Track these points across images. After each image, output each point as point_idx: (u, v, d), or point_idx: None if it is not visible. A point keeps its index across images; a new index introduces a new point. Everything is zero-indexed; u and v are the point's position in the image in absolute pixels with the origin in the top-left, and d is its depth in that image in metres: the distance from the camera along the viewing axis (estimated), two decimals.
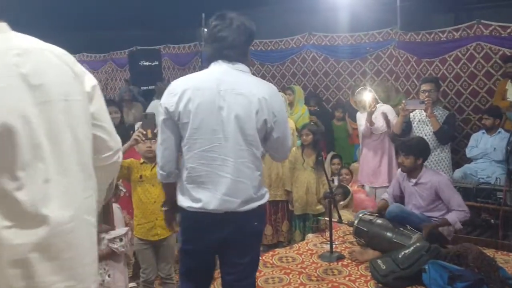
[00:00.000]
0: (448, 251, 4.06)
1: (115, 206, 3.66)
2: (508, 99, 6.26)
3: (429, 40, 7.05)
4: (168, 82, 9.54)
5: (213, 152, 2.59)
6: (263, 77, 8.49)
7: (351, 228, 4.94)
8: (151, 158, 3.92)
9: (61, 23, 12.00)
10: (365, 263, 4.40)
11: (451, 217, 4.65)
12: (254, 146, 2.62)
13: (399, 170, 5.10)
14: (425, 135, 5.63)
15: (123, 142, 4.93)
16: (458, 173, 5.91)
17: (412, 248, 4.10)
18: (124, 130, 5.18)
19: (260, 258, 3.63)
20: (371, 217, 4.79)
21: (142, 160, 3.94)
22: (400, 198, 5.10)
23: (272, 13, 9.93)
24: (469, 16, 8.15)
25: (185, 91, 2.63)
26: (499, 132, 5.96)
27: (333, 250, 4.65)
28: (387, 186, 6.05)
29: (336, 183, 6.28)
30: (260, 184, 2.71)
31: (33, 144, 1.64)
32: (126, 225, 4.43)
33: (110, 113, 6.05)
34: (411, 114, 5.75)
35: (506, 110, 6.18)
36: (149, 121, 3.67)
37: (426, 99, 5.49)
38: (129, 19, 11.63)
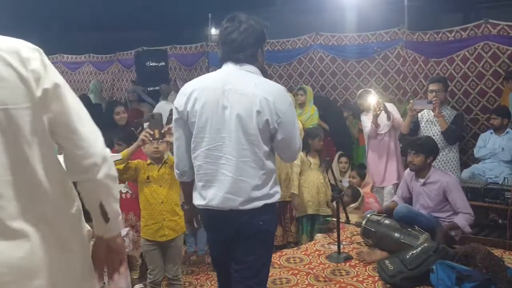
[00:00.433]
0: (456, 252, 4.05)
1: None
2: None
3: (436, 40, 7.03)
4: (175, 83, 9.53)
5: (218, 151, 2.65)
6: (270, 77, 8.47)
7: (359, 229, 4.93)
8: (158, 159, 3.92)
9: (68, 24, 12.07)
10: (373, 263, 4.40)
11: (460, 221, 4.65)
12: (256, 145, 2.64)
13: (407, 170, 5.09)
14: (433, 135, 5.61)
15: (128, 144, 4.96)
16: (466, 173, 5.89)
17: (419, 248, 4.09)
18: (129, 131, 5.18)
19: None
20: (378, 218, 4.78)
21: (149, 161, 3.94)
22: (409, 199, 5.09)
23: (279, 13, 9.96)
24: (477, 16, 8.14)
25: (193, 91, 2.72)
26: (507, 132, 5.92)
27: (341, 250, 4.65)
28: (395, 184, 6.07)
29: (344, 183, 6.27)
30: (265, 183, 2.71)
31: None
32: (133, 227, 4.45)
33: (118, 113, 6.04)
34: (419, 114, 5.73)
35: None
36: (156, 121, 3.68)
37: (434, 99, 5.48)
38: (135, 20, 11.69)
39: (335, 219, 4.78)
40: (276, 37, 8.76)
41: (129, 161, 3.85)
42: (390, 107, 6.14)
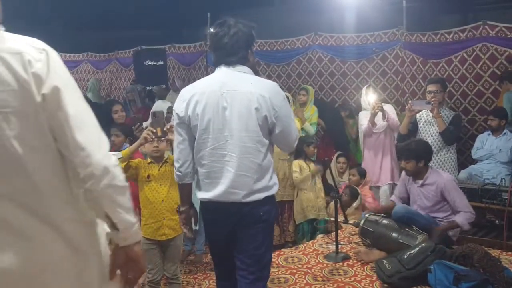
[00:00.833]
0: (453, 252, 4.07)
1: None
2: None
3: (435, 41, 7.04)
4: (173, 82, 9.51)
5: (221, 150, 2.82)
6: (269, 77, 8.48)
7: (357, 229, 4.95)
8: (158, 158, 3.93)
9: (66, 23, 12.04)
10: (371, 263, 4.42)
11: (460, 219, 4.66)
12: (257, 141, 2.81)
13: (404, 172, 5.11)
14: (431, 136, 5.64)
15: (125, 135, 4.93)
16: (463, 173, 5.91)
17: (417, 248, 4.11)
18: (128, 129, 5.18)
19: None
20: (377, 218, 4.80)
21: (149, 160, 3.95)
22: (406, 199, 5.11)
23: (278, 13, 9.93)
24: (476, 17, 8.13)
25: (192, 96, 2.88)
26: (505, 133, 5.95)
27: (339, 250, 4.67)
28: (390, 184, 6.09)
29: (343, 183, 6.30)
30: (265, 176, 2.88)
31: None
32: None
33: (116, 112, 6.02)
34: (417, 115, 5.76)
35: None
36: (158, 119, 3.71)
37: (432, 99, 5.50)
38: (134, 18, 11.65)
39: (333, 218, 4.79)
40: (275, 37, 8.74)
41: (130, 159, 3.86)
42: (388, 108, 6.17)
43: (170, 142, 3.73)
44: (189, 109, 2.85)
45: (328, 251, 4.79)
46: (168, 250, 3.99)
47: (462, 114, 6.57)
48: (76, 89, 1.73)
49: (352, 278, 4.18)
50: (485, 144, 6.08)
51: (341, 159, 6.82)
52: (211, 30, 2.93)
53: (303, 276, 4.27)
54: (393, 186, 6.02)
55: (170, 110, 6.05)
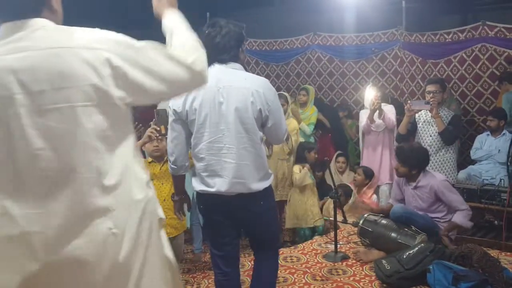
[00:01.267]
0: (452, 252, 4.08)
1: None
2: None
3: (434, 41, 7.04)
4: None
5: (219, 143, 2.94)
6: (268, 76, 8.48)
7: (356, 229, 4.96)
8: (158, 157, 3.94)
9: (65, 21, 12.04)
10: (370, 263, 4.43)
11: (459, 219, 4.67)
12: (252, 133, 2.95)
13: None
14: (430, 136, 5.65)
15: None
16: (462, 174, 5.91)
17: (416, 248, 4.12)
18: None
19: None
20: (375, 218, 4.81)
21: (150, 159, 3.95)
22: (403, 201, 5.12)
23: (277, 13, 9.90)
24: (475, 18, 8.13)
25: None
26: (504, 133, 5.96)
27: (338, 250, 4.67)
28: (389, 184, 6.10)
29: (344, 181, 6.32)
30: (263, 165, 3.03)
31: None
32: None
33: None
34: (417, 115, 5.77)
35: None
36: (161, 117, 3.73)
37: (431, 100, 5.51)
38: (131, 18, 11.65)
39: (332, 218, 4.80)
40: (274, 37, 8.73)
41: None
42: (389, 108, 6.17)
43: None
44: (186, 104, 2.95)
45: (327, 251, 4.80)
46: None
47: (461, 115, 6.59)
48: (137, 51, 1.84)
49: (351, 278, 4.19)
50: (484, 144, 6.09)
51: (341, 159, 6.83)
52: (204, 30, 3.03)
53: (302, 276, 4.27)
54: (392, 186, 6.02)
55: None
